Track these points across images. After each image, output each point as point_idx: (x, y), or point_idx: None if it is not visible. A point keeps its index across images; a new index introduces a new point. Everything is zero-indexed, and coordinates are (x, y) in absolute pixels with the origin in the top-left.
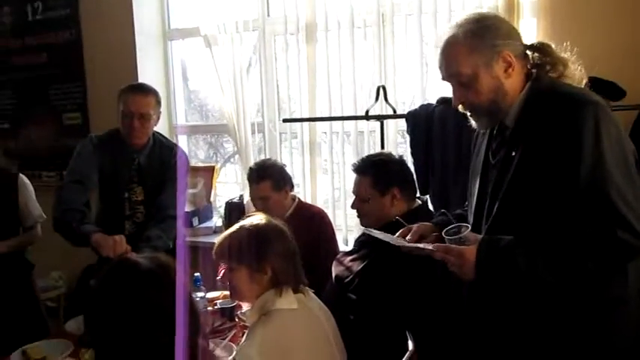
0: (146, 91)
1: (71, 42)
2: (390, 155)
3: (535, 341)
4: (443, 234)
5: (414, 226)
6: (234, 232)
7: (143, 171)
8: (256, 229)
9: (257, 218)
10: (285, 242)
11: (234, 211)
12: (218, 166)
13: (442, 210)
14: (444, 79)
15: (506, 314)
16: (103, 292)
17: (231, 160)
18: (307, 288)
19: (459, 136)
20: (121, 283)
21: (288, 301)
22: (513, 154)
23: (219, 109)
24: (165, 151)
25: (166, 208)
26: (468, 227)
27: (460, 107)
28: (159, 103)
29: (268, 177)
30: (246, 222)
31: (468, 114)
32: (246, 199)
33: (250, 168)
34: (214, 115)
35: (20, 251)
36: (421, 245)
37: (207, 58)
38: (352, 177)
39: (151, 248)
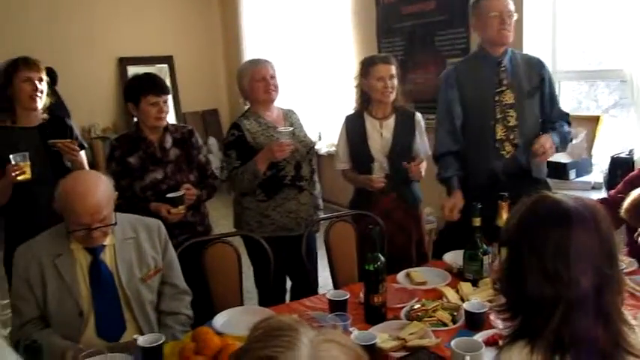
0: None
1: None
2: None
3: None
4: None
5: None
6: None
7: (511, 74)
8: None
9: None
10: None
11: (620, 167)
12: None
13: None
14: None
15: None
16: (520, 223)
17: (609, 111)
18: None
19: None
20: (538, 217)
21: None
22: None
23: (610, 52)
24: (531, 60)
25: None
26: None
27: None
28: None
29: None
30: None
31: None
32: (638, 154)
33: None
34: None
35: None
36: None
37: None
38: None
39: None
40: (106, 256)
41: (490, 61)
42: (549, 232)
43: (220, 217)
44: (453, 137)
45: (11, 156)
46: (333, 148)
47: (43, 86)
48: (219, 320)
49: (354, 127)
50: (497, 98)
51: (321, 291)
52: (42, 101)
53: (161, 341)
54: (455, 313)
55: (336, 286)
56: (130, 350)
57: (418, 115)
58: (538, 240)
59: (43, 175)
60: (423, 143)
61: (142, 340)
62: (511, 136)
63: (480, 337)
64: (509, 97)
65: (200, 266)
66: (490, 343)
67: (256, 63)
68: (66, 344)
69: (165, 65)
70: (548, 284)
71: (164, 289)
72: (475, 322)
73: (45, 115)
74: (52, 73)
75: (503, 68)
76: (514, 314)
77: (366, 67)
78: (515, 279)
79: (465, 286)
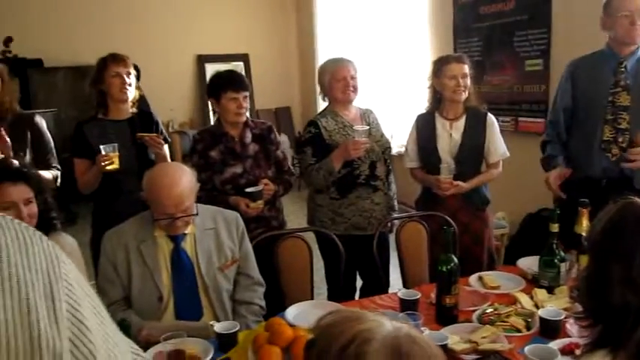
0: None
1: None
2: None
3: None
4: None
5: None
6: None
7: (631, 76)
8: None
9: None
10: None
11: None
12: None
13: None
14: None
15: None
16: (605, 229)
17: None
18: None
19: None
20: (626, 224)
21: None
22: None
23: None
24: None
25: None
26: None
27: None
28: None
29: None
30: None
31: None
32: None
33: None
34: None
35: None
36: None
37: None
38: None
39: None
40: (187, 245)
41: (612, 60)
42: (638, 239)
43: (289, 213)
44: (553, 128)
45: (101, 146)
46: (403, 148)
47: (132, 79)
48: (292, 312)
49: (424, 127)
50: (610, 99)
51: (391, 291)
52: (131, 94)
53: (236, 329)
54: (529, 320)
55: (406, 286)
56: (206, 334)
57: (490, 116)
58: (625, 248)
59: (129, 166)
60: (496, 144)
61: (219, 327)
62: (619, 139)
63: (555, 345)
64: (624, 99)
65: (273, 259)
66: (566, 351)
67: (338, 62)
68: (142, 323)
69: (241, 63)
70: (634, 294)
71: (239, 280)
72: (550, 329)
73: (134, 110)
74: (135, 69)
75: (622, 69)
76: (594, 323)
77: (439, 66)
78: (598, 287)
79: (540, 293)
